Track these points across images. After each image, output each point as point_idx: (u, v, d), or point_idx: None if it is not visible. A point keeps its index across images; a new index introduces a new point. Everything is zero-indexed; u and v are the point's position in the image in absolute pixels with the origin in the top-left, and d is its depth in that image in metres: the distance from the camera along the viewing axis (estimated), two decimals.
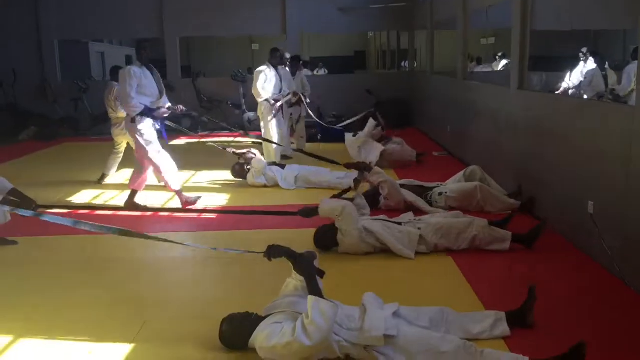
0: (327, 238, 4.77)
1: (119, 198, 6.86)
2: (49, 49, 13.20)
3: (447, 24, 10.90)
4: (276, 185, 7.25)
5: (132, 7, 13.06)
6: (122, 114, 6.83)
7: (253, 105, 12.91)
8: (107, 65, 16.62)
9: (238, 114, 12.93)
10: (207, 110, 13.09)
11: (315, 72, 19.85)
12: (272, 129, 8.52)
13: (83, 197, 7.03)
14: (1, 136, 11.72)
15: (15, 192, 4.91)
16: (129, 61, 19.05)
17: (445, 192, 5.96)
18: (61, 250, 5.17)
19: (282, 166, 7.55)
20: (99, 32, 14.75)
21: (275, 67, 8.55)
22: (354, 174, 6.32)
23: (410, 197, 5.90)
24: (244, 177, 7.47)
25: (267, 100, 8.43)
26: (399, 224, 4.81)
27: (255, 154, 7.57)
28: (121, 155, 7.71)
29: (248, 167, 7.46)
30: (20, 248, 5.14)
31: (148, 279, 4.50)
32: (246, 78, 13.31)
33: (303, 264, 3.22)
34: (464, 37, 9.01)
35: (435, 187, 6.13)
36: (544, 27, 9.75)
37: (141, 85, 5.92)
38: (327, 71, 19.81)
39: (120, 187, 7.32)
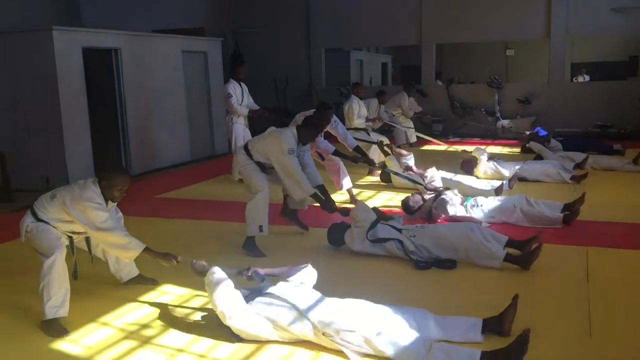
0: (336, 236, 4.99)
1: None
2: (316, 57, 14.44)
3: None
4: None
5: (393, 16, 13.53)
6: None
7: (507, 113, 12.56)
8: (364, 72, 17.60)
9: (491, 120, 12.60)
10: (460, 116, 13.04)
11: (574, 80, 18.37)
12: None
13: None
14: None
15: (323, 190, 5.09)
16: (384, 68, 19.96)
17: (481, 205, 5.82)
18: None
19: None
20: (361, 41, 15.67)
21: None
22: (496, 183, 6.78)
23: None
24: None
25: None
26: (399, 230, 4.84)
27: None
28: None
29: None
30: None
31: None
32: (502, 84, 12.91)
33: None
34: None
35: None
36: None
37: None
38: (588, 77, 18.13)
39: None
